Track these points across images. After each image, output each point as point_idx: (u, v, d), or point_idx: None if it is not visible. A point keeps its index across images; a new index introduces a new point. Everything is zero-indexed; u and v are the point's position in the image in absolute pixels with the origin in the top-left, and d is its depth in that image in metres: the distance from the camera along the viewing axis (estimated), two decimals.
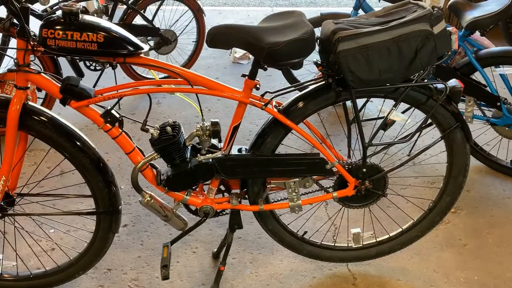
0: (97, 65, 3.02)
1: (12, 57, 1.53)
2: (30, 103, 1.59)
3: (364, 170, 1.72)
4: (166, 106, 3.30)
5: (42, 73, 1.52)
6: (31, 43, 1.46)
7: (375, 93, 1.59)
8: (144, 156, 1.69)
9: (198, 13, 3.73)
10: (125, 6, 3.40)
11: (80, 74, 3.01)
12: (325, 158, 1.69)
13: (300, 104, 1.62)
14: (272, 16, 1.61)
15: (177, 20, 3.74)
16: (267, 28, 1.49)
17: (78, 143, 1.63)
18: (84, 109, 1.57)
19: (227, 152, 1.70)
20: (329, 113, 3.30)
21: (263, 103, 1.60)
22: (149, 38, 3.53)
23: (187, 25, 3.71)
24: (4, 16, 2.67)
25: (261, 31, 1.48)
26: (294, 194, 1.76)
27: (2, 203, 1.68)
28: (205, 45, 3.85)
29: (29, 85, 1.55)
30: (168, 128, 1.62)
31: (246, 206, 1.79)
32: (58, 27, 1.40)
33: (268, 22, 1.57)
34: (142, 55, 1.52)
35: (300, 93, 1.65)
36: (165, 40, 3.56)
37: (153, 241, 2.20)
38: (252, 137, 1.72)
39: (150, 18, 3.48)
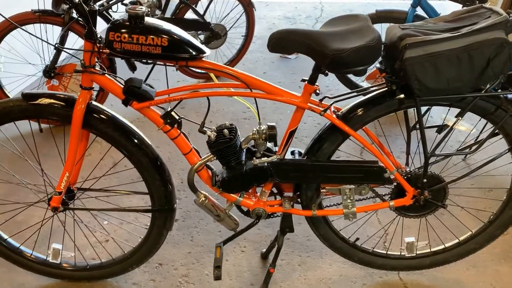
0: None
1: (74, 55, 1.58)
2: (93, 102, 1.62)
3: (425, 180, 1.66)
4: (214, 101, 3.32)
5: (106, 74, 1.55)
6: (97, 45, 1.49)
7: (441, 101, 1.53)
8: (201, 157, 1.70)
9: (248, 7, 3.71)
10: (177, 0, 3.43)
11: (133, 68, 3.07)
12: (383, 166, 1.65)
13: (361, 111, 1.59)
14: (335, 20, 1.57)
15: (227, 14, 3.74)
16: (331, 33, 1.46)
17: (137, 142, 1.66)
18: (145, 110, 1.59)
19: (282, 156, 1.69)
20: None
21: (322, 109, 1.58)
22: (199, 32, 3.55)
23: (237, 19, 3.71)
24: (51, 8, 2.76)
25: (325, 36, 1.44)
26: (349, 201, 1.73)
27: (64, 198, 1.73)
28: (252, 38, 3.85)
29: (93, 85, 1.58)
30: (226, 131, 1.62)
31: (299, 210, 1.78)
32: (124, 30, 1.42)
33: (331, 26, 1.54)
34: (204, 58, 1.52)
35: (360, 99, 1.61)
36: (215, 35, 3.58)
37: (202, 238, 2.23)
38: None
39: (201, 12, 3.51)
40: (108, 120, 1.63)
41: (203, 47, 1.50)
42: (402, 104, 1.55)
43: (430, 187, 1.69)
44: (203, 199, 1.73)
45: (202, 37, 3.53)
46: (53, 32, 2.82)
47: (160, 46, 1.43)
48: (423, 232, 2.11)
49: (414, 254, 1.94)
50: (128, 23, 1.43)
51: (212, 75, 1.59)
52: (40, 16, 2.78)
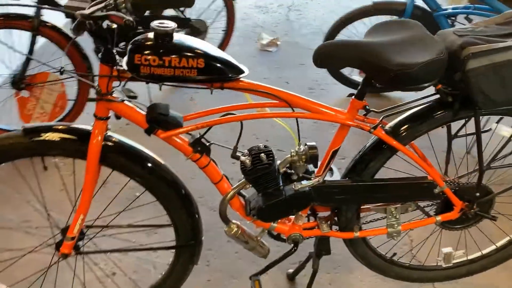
0: None
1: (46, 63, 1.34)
2: (110, 133, 1.40)
3: (478, 194, 1.56)
4: (203, 104, 3.10)
5: (125, 101, 1.33)
6: (117, 68, 1.26)
7: (503, 113, 1.42)
8: (231, 184, 1.52)
9: (228, 1, 3.49)
10: None
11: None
12: (433, 181, 1.53)
13: (412, 125, 1.45)
14: (382, 27, 1.41)
15: (206, 8, 3.51)
16: (387, 44, 1.30)
17: (164, 176, 1.46)
18: (171, 139, 1.38)
19: (322, 178, 1.53)
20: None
21: (371, 125, 1.43)
22: (179, 29, 3.31)
23: (218, 14, 3.49)
24: (32, 13, 2.45)
25: (383, 48, 1.28)
26: (394, 219, 1.61)
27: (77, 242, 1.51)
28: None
29: (109, 114, 1.35)
30: (263, 156, 1.44)
31: (339, 233, 1.64)
32: (153, 52, 1.20)
33: (379, 35, 1.37)
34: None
35: (410, 112, 1.47)
36: (195, 31, 3.34)
37: (220, 262, 2.05)
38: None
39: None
40: (130, 153, 1.41)
41: (242, 66, 1.31)
42: (457, 115, 1.43)
43: (479, 199, 1.60)
44: (236, 229, 1.56)
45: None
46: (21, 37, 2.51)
47: (195, 69, 1.23)
48: (453, 237, 2.03)
49: (451, 264, 1.86)
50: (154, 43, 1.22)
51: (247, 95, 1.40)
52: (4, 21, 2.46)
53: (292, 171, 1.53)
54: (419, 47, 1.28)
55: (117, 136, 1.42)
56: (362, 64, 1.29)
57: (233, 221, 1.58)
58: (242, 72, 1.30)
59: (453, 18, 2.55)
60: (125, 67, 1.25)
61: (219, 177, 1.50)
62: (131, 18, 1.03)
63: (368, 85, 1.37)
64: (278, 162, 1.50)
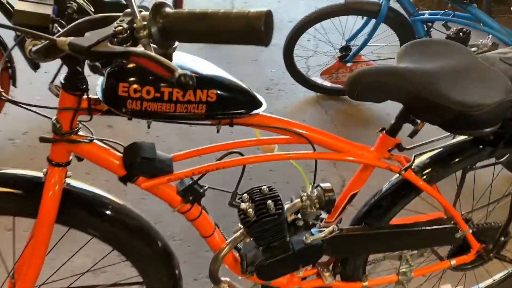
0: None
1: None
2: (69, 181, 1.01)
3: (501, 237, 1.39)
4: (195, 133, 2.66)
5: (95, 140, 0.95)
6: (88, 97, 0.88)
7: None
8: (224, 236, 1.21)
9: None
10: None
11: (36, 66, 2.31)
12: (456, 225, 1.33)
13: (444, 164, 1.23)
14: (418, 48, 1.15)
15: None
16: (440, 75, 1.04)
17: (142, 234, 1.11)
18: (156, 188, 1.04)
19: (336, 225, 1.27)
20: (339, 111, 2.92)
21: (402, 167, 1.18)
22: None
23: None
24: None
25: (437, 81, 1.02)
26: (407, 266, 1.39)
27: None
28: None
29: (70, 158, 0.97)
30: (270, 203, 1.14)
31: (345, 284, 1.39)
32: (145, 81, 0.84)
33: (422, 60, 1.11)
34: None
35: (442, 149, 1.24)
36: None
37: None
38: None
39: None
40: (92, 205, 1.04)
41: (259, 96, 0.99)
42: (494, 153, 1.23)
43: (498, 241, 1.43)
44: None
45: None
46: None
47: (204, 103, 0.89)
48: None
49: None
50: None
51: (257, 131, 1.08)
52: None
53: (298, 215, 1.26)
54: (481, 82, 1.04)
55: (78, 185, 1.04)
56: (411, 99, 1.02)
57: (223, 278, 1.27)
58: (260, 105, 0.98)
59: (430, 24, 2.40)
60: (99, 96, 0.88)
61: (211, 229, 1.18)
62: (190, 74, 0.64)
63: (405, 120, 1.12)
64: (286, 206, 1.21)
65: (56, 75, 0.90)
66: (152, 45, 0.70)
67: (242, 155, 1.09)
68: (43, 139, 0.91)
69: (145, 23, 0.70)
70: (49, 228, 0.99)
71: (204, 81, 0.89)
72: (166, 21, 0.70)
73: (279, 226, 1.16)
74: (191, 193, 1.08)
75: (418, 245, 1.35)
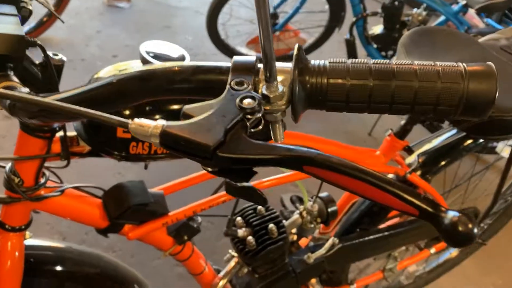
0: None
1: None
2: (29, 241, 0.73)
3: (481, 223, 1.38)
4: None
5: (68, 187, 0.68)
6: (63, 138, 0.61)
7: None
8: (218, 273, 1.02)
9: None
10: None
11: None
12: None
13: (446, 161, 1.15)
14: (427, 39, 1.01)
15: None
16: None
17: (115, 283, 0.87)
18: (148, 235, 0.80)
19: (332, 235, 1.14)
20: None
21: (407, 170, 1.08)
22: None
23: None
24: None
25: None
26: (394, 263, 1.33)
27: None
28: None
29: (31, 219, 0.69)
30: (273, 228, 0.97)
31: None
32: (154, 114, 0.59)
33: (427, 53, 0.97)
34: None
35: (440, 145, 1.15)
36: None
37: None
38: None
39: None
40: (58, 263, 0.78)
41: None
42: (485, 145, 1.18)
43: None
44: None
45: None
46: None
47: None
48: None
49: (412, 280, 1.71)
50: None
51: None
52: None
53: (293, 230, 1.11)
54: (505, 80, 0.94)
55: (39, 243, 0.76)
56: None
57: None
58: None
59: None
60: (81, 135, 0.62)
61: (202, 265, 0.98)
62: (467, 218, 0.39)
63: (417, 121, 1.00)
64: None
65: None
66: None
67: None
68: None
69: (281, 89, 0.40)
70: None
71: None
72: (320, 80, 0.41)
73: (283, 250, 1.01)
74: (186, 232, 0.87)
75: (412, 240, 1.29)
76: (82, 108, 0.38)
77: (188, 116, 0.38)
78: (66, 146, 0.61)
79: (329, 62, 0.40)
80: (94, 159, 0.71)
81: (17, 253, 0.69)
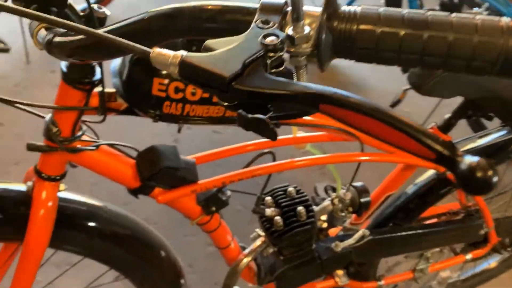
0: None
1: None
2: (63, 194, 0.76)
3: None
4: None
5: (103, 144, 0.71)
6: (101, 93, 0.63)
7: None
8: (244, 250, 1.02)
9: None
10: None
11: None
12: (483, 221, 1.23)
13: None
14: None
15: None
16: None
17: (142, 246, 0.90)
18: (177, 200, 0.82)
19: (365, 227, 1.12)
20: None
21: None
22: None
23: None
24: None
25: None
26: (426, 264, 1.29)
27: None
28: None
29: (66, 170, 0.72)
30: (301, 210, 0.97)
31: (361, 283, 1.27)
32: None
33: None
34: None
35: (487, 145, 1.10)
36: None
37: None
38: None
39: None
40: (88, 220, 0.81)
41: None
42: None
43: None
44: None
45: None
46: None
47: None
48: None
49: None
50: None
51: (294, 128, 0.88)
52: None
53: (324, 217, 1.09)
54: None
55: (72, 198, 0.79)
56: (488, 99, 0.86)
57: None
58: None
59: None
60: (118, 90, 0.64)
61: (228, 240, 0.98)
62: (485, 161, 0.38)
63: (463, 116, 0.96)
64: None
65: None
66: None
67: (274, 155, 0.89)
68: (32, 147, 0.65)
69: (307, 31, 0.39)
70: (39, 256, 0.75)
71: None
72: (349, 27, 0.39)
73: (311, 234, 1.00)
74: (214, 203, 0.87)
75: (448, 242, 1.25)
76: (109, 35, 0.38)
77: (209, 50, 0.38)
78: (103, 100, 0.63)
79: (361, 8, 0.39)
80: (133, 119, 0.73)
81: (50, 203, 0.72)
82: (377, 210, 1.16)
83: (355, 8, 0.40)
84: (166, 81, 0.61)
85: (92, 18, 0.54)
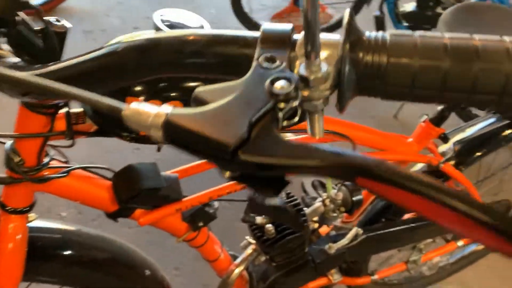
0: None
1: None
2: (33, 224, 0.69)
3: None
4: None
5: (76, 168, 0.63)
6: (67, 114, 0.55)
7: None
8: (235, 259, 0.97)
9: None
10: None
11: None
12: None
13: (483, 151, 1.07)
14: (466, 17, 0.92)
15: None
16: None
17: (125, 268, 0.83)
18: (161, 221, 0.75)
19: (355, 225, 1.08)
20: None
21: (440, 159, 1.00)
22: None
23: None
24: None
25: None
26: (419, 255, 1.27)
27: None
28: None
29: (34, 200, 0.64)
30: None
31: (355, 279, 1.24)
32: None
33: (474, 33, 0.89)
34: None
35: (478, 134, 1.07)
36: None
37: None
38: None
39: None
40: (64, 248, 0.74)
41: None
42: None
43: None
44: None
45: None
46: None
47: None
48: None
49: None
50: None
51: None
52: None
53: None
54: None
55: (45, 225, 0.72)
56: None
57: None
58: None
59: None
60: (87, 112, 0.56)
61: (218, 251, 0.93)
62: None
63: (456, 108, 0.92)
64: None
65: None
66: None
67: None
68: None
69: (325, 69, 0.31)
70: None
71: None
72: (377, 59, 0.31)
73: (302, 240, 0.95)
74: (201, 218, 0.81)
75: (440, 232, 1.22)
76: (64, 86, 0.29)
77: (201, 102, 0.29)
78: (70, 124, 0.56)
79: (390, 35, 0.31)
80: None
81: (19, 236, 0.65)
82: (368, 206, 1.12)
83: (382, 34, 0.32)
84: (141, 99, 0.53)
85: (49, 35, 0.46)
